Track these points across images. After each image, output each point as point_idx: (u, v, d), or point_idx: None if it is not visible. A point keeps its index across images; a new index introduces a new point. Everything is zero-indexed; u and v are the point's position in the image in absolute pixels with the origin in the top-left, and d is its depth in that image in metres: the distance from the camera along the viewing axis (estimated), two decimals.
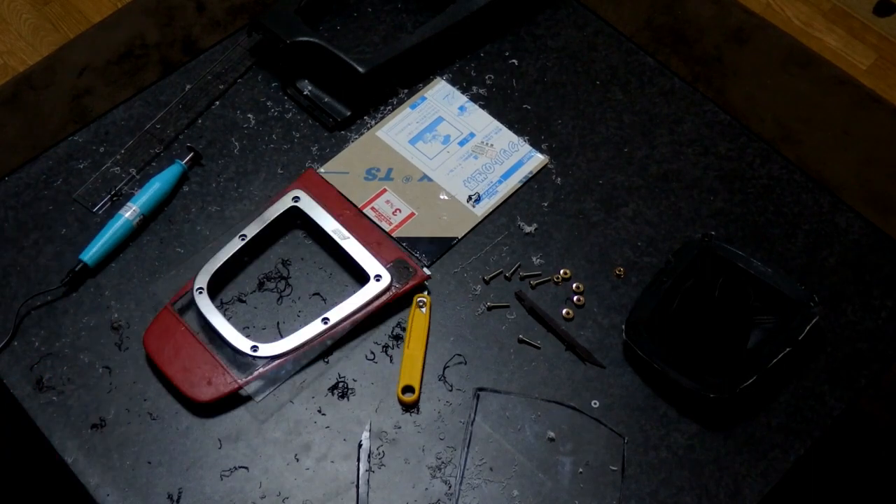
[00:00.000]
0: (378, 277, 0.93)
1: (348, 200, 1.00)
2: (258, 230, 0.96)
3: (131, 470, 0.86)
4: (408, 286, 0.93)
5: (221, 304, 0.95)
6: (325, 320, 0.91)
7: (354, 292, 0.93)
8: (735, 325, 0.91)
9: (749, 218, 1.01)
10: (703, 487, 0.86)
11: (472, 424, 0.88)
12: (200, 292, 0.92)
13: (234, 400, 0.89)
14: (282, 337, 0.91)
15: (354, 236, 0.96)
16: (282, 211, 0.98)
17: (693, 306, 0.92)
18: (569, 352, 0.93)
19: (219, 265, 0.94)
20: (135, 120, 1.07)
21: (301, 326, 0.91)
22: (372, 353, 0.93)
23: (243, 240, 0.96)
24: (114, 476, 0.86)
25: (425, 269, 0.95)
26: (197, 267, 0.94)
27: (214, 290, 0.94)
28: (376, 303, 0.92)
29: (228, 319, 0.91)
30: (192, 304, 0.92)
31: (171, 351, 0.90)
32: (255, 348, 0.89)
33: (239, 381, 0.88)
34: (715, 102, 1.09)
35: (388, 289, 0.93)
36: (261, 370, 0.89)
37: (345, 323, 0.91)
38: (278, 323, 0.94)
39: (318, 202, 0.98)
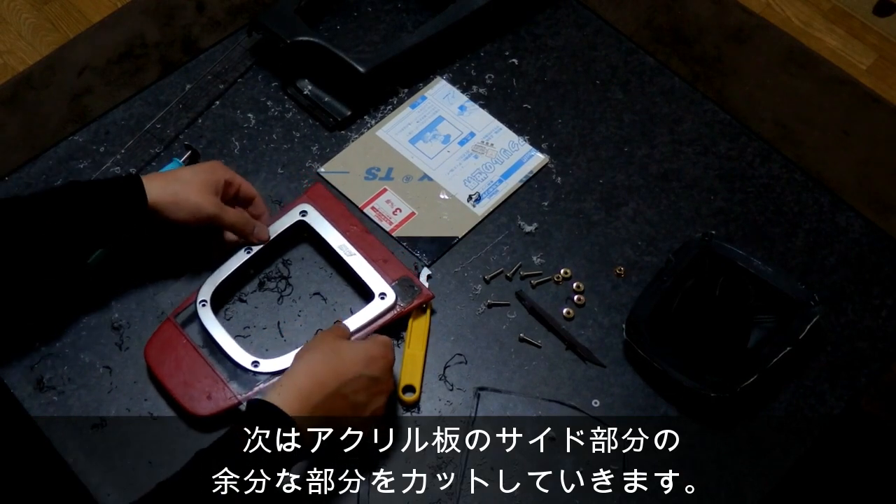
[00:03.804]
0: (383, 295, 0.92)
1: (355, 216, 0.98)
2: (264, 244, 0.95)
3: (132, 470, 0.86)
4: (412, 305, 0.92)
5: (224, 313, 0.94)
6: None
7: (358, 305, 0.92)
8: (735, 325, 0.91)
9: (749, 217, 1.01)
10: (703, 487, 0.86)
11: (472, 424, 0.88)
12: (204, 305, 0.91)
13: (233, 414, 0.88)
14: (282, 337, 0.91)
15: (361, 253, 0.94)
16: (289, 224, 0.96)
17: (693, 306, 0.91)
18: (569, 351, 0.93)
19: (223, 278, 0.93)
20: (135, 120, 1.07)
21: (302, 327, 0.90)
22: None
23: (248, 253, 0.94)
24: (114, 476, 0.86)
25: (425, 283, 0.94)
26: (203, 279, 0.93)
27: (218, 302, 0.93)
28: (380, 321, 0.91)
29: (228, 320, 0.91)
30: (194, 316, 0.91)
31: (172, 364, 0.89)
32: (255, 363, 0.88)
33: (239, 396, 0.87)
34: (715, 102, 1.09)
35: (392, 307, 0.91)
36: (261, 386, 0.87)
37: None
38: (279, 323, 0.94)
39: (325, 217, 0.97)
